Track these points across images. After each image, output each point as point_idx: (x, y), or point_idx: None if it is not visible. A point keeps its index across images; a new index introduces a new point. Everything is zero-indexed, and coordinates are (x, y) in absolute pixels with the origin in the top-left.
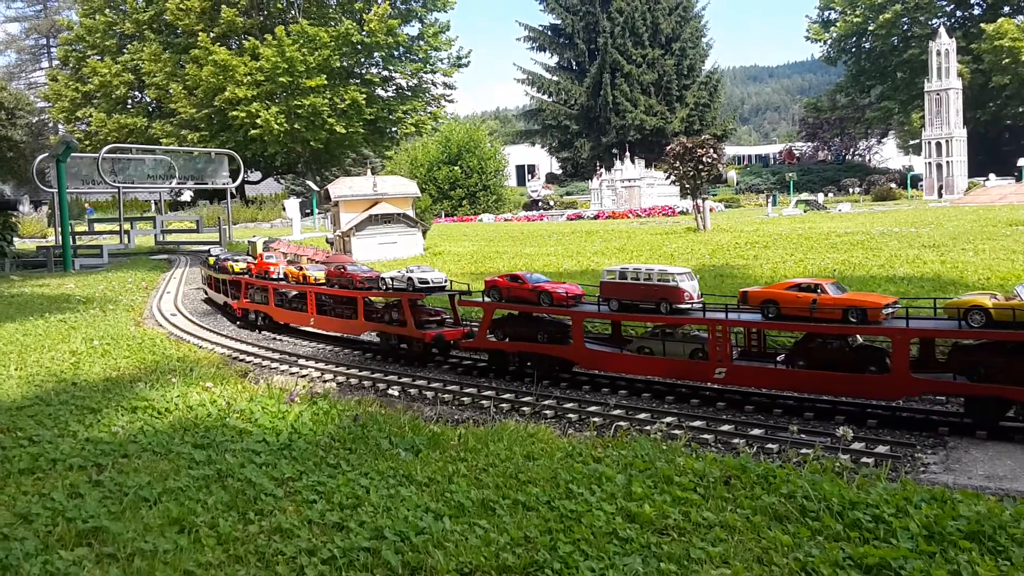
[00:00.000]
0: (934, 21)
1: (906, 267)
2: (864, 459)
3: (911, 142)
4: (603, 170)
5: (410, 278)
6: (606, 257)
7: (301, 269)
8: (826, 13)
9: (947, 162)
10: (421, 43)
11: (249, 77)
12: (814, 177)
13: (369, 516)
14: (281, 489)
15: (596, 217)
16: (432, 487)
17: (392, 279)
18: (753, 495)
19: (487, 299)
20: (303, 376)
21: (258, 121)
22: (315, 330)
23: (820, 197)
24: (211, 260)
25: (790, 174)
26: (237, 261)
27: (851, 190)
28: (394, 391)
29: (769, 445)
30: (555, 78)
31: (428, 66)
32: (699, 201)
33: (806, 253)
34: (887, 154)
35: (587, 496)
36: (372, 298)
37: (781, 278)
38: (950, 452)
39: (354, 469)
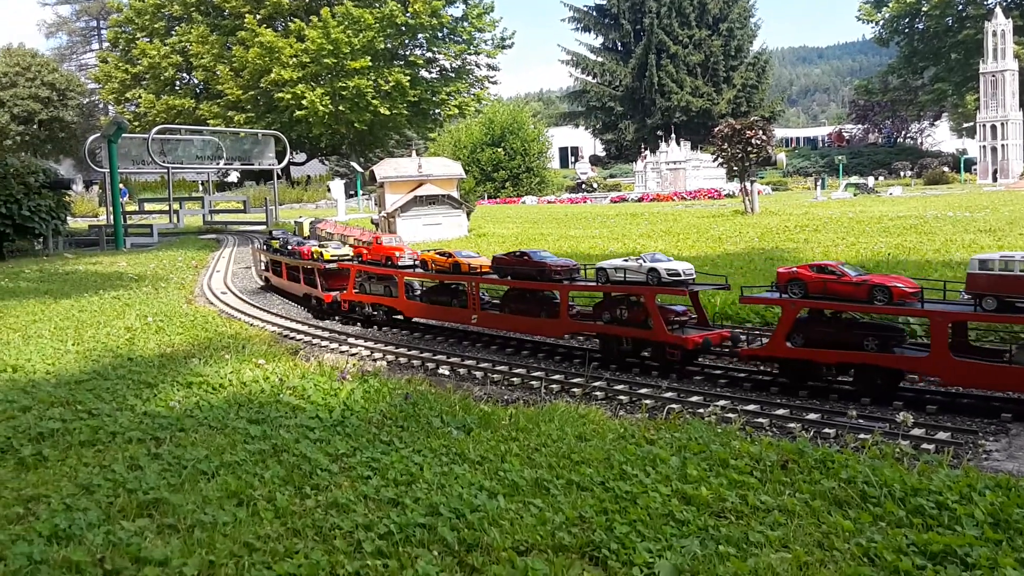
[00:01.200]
0: (990, 1)
1: (962, 251)
2: (924, 445)
3: (965, 125)
4: (648, 152)
5: (653, 268)
6: (652, 240)
7: (448, 256)
8: None
9: (1002, 145)
10: (465, 24)
11: (295, 59)
12: (864, 160)
13: (424, 493)
14: (336, 465)
15: (640, 200)
16: (485, 465)
17: (617, 269)
18: (812, 479)
19: (787, 295)
20: (353, 354)
21: (303, 103)
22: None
23: (870, 180)
24: (275, 243)
25: (839, 157)
26: (328, 245)
27: (902, 173)
28: (444, 370)
29: (826, 430)
30: (600, 59)
31: (472, 47)
32: (747, 184)
33: (857, 237)
34: (940, 137)
35: (641, 477)
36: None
37: None
38: (1012, 439)
39: (407, 446)
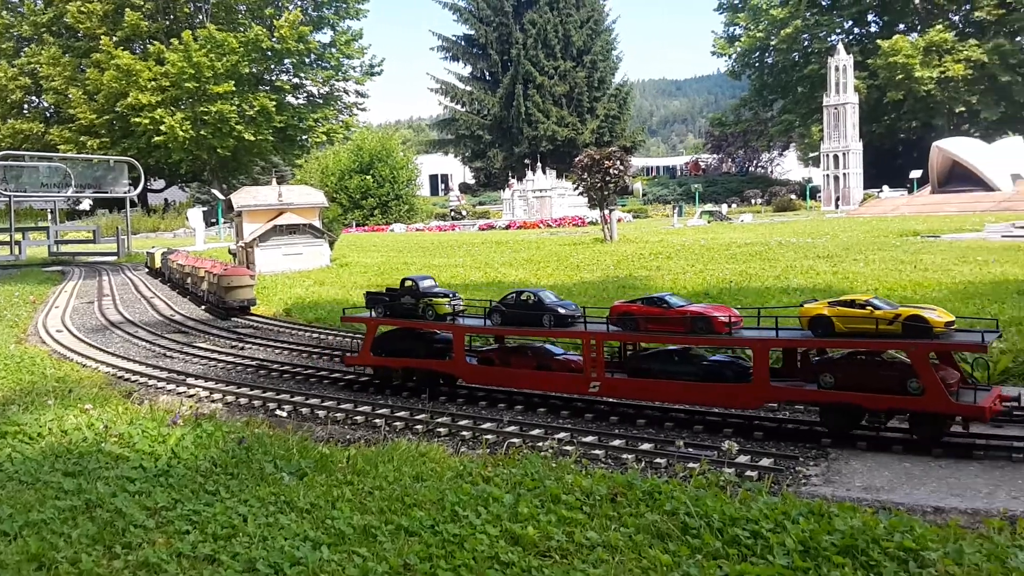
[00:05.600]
0: (833, 38)
1: (800, 278)
2: (748, 472)
3: (811, 154)
4: (515, 180)
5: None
6: (514, 268)
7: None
8: (731, 28)
9: (844, 174)
10: (333, 51)
11: (154, 82)
12: (719, 188)
13: (243, 547)
14: (153, 520)
15: (508, 227)
16: (314, 513)
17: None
18: (638, 512)
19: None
20: (191, 396)
21: (162, 128)
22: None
23: (724, 208)
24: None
25: (696, 185)
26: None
27: (754, 201)
28: (284, 410)
29: (658, 460)
30: (468, 88)
31: (340, 74)
32: (606, 212)
33: (706, 264)
34: (788, 166)
35: (472, 519)
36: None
37: (680, 290)
38: (831, 463)
39: (233, 496)
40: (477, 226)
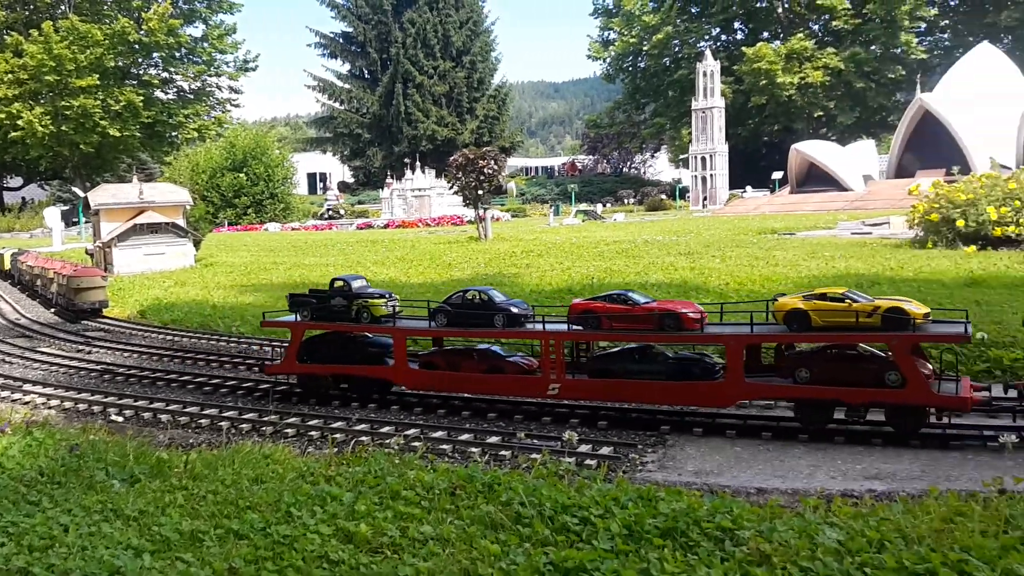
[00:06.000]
0: (702, 44)
1: (660, 274)
2: (588, 461)
3: (681, 156)
4: (394, 179)
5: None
6: (385, 267)
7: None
8: (606, 33)
9: (711, 175)
10: (205, 45)
11: (10, 75)
12: (594, 188)
13: (60, 558)
14: None
15: (386, 226)
16: (141, 520)
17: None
18: (475, 505)
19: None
20: (26, 403)
21: (19, 123)
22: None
23: (599, 207)
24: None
25: (572, 185)
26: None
27: (627, 200)
28: (124, 415)
29: (503, 452)
30: (347, 86)
31: (212, 69)
32: (481, 211)
33: (574, 261)
34: (660, 167)
35: (307, 519)
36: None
37: (546, 287)
38: (668, 450)
39: (57, 505)
40: (355, 225)
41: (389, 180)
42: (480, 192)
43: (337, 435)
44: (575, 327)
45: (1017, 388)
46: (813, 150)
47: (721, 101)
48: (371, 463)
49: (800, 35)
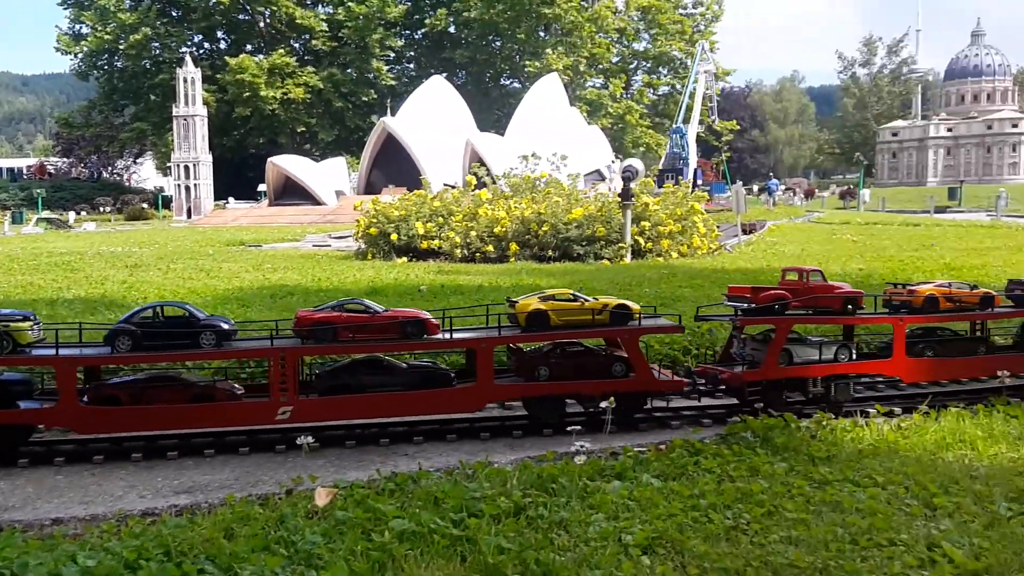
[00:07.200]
0: (184, 49)
1: (86, 288)
2: None
3: (168, 164)
4: None
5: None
6: None
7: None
8: (77, 26)
9: (195, 184)
10: None
11: None
12: (67, 194)
13: None
14: None
15: None
16: None
17: None
18: None
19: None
20: None
21: None
22: None
23: (72, 216)
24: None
25: (39, 190)
26: None
27: (104, 209)
28: None
29: None
30: None
31: None
32: None
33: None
34: (146, 174)
35: None
36: None
37: None
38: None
39: None
40: None
41: None
42: None
43: None
44: (308, 342)
45: (699, 373)
46: (288, 164)
47: (204, 109)
48: None
49: (282, 51)
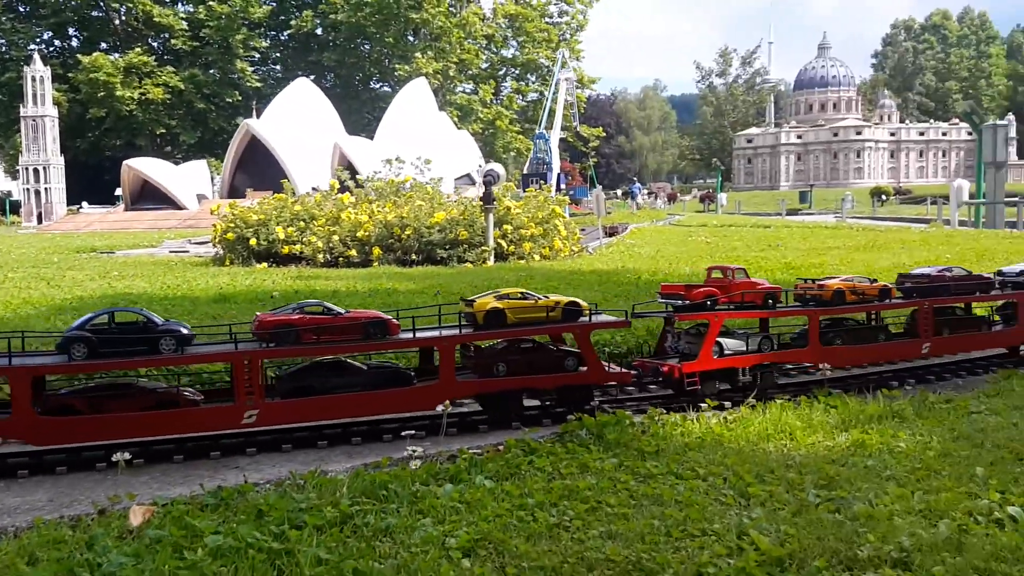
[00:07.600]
0: (32, 47)
1: None
2: None
3: (16, 167)
4: None
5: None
6: None
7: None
8: None
9: (46, 188)
10: None
11: None
12: None
13: None
14: None
15: None
16: None
17: None
18: None
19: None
20: None
21: None
22: None
23: None
24: None
25: None
26: None
27: None
28: None
29: None
30: None
31: None
32: None
33: None
34: None
35: None
36: None
37: None
38: None
39: None
40: None
41: None
42: None
43: None
44: (269, 345)
45: (637, 366)
46: (145, 167)
47: (54, 110)
48: None
49: (139, 49)
